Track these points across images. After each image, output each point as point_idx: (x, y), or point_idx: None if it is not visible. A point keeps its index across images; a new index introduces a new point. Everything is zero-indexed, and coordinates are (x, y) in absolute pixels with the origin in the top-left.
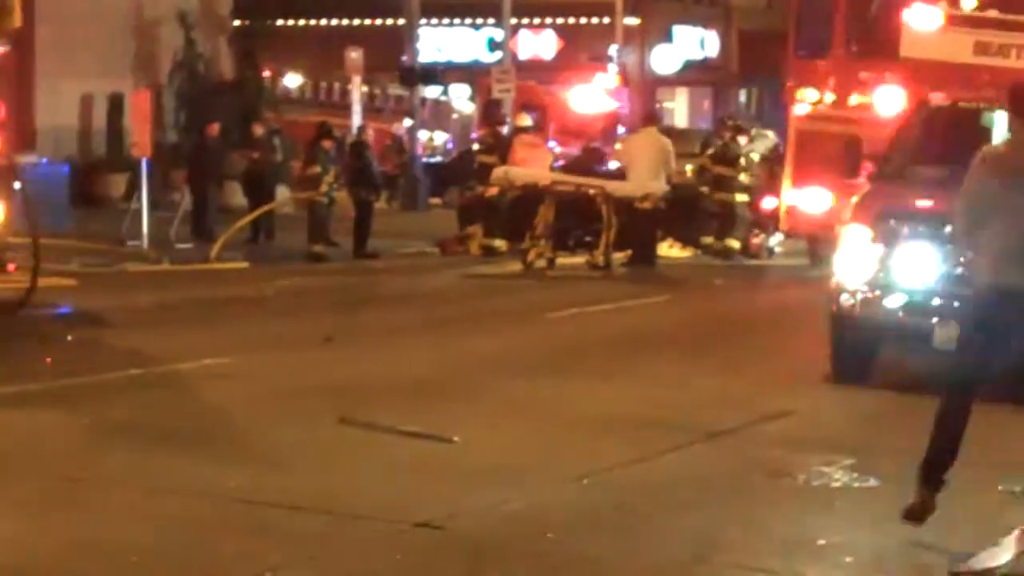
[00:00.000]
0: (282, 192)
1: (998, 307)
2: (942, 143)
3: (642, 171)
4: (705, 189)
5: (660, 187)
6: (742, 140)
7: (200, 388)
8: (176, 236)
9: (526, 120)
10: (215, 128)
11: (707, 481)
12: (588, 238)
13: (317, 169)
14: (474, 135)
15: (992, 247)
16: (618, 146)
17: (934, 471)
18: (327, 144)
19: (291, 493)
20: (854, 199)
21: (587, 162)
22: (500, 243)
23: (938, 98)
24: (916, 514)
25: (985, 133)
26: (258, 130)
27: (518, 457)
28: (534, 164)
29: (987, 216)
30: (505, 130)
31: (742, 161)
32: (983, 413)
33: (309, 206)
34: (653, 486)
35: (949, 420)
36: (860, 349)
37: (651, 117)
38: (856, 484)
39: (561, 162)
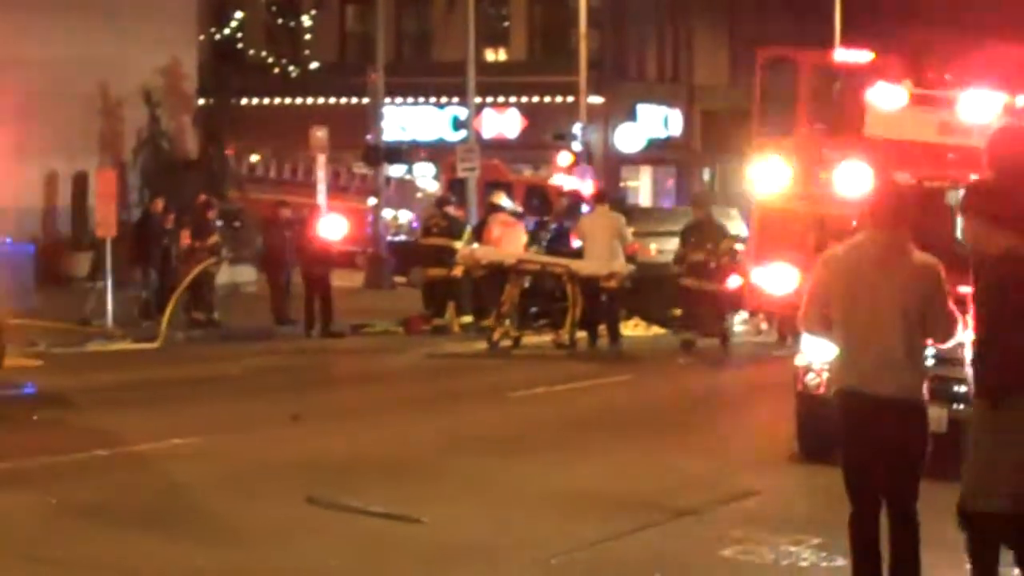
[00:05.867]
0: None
1: (854, 411)
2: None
3: (598, 249)
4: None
5: (625, 266)
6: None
7: (167, 468)
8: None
9: (501, 199)
10: (159, 204)
11: (675, 561)
12: (550, 318)
13: (216, 238)
14: (415, 222)
15: (842, 349)
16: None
17: None
18: (211, 214)
19: (258, 573)
20: (810, 281)
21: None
22: (469, 319)
23: (903, 177)
24: None
25: (950, 212)
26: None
27: (486, 537)
28: (509, 242)
29: (834, 317)
30: (451, 210)
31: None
32: (946, 496)
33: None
34: (621, 566)
35: (854, 551)
36: (826, 427)
37: (602, 195)
38: (824, 564)
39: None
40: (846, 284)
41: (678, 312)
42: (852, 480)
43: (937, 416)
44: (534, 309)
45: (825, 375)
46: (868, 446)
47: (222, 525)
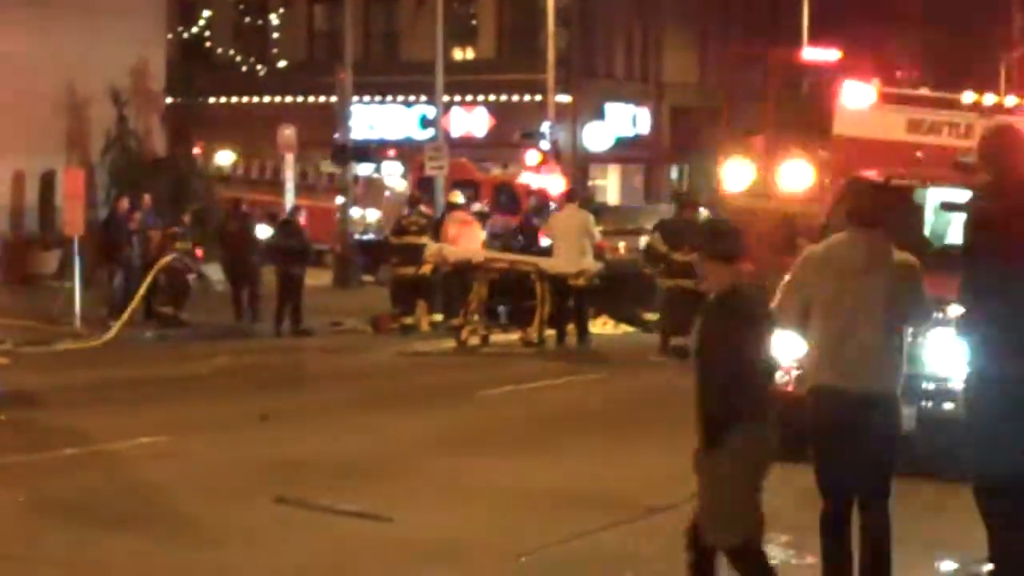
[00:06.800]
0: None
1: (832, 408)
2: None
3: (567, 248)
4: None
5: (594, 264)
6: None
7: (136, 467)
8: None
9: (458, 197)
10: (124, 203)
11: (646, 558)
12: (519, 316)
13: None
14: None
15: (821, 347)
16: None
17: None
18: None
19: (228, 573)
20: (787, 276)
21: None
22: (439, 318)
23: (871, 175)
24: None
25: (917, 210)
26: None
27: (456, 535)
28: (466, 241)
29: (813, 315)
30: (423, 208)
31: None
32: (915, 493)
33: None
34: (591, 563)
35: (825, 549)
36: (795, 425)
37: (571, 194)
38: (793, 561)
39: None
40: (830, 282)
41: (655, 316)
42: (825, 477)
43: (906, 414)
44: (502, 308)
45: (794, 373)
46: (844, 443)
47: (191, 524)
